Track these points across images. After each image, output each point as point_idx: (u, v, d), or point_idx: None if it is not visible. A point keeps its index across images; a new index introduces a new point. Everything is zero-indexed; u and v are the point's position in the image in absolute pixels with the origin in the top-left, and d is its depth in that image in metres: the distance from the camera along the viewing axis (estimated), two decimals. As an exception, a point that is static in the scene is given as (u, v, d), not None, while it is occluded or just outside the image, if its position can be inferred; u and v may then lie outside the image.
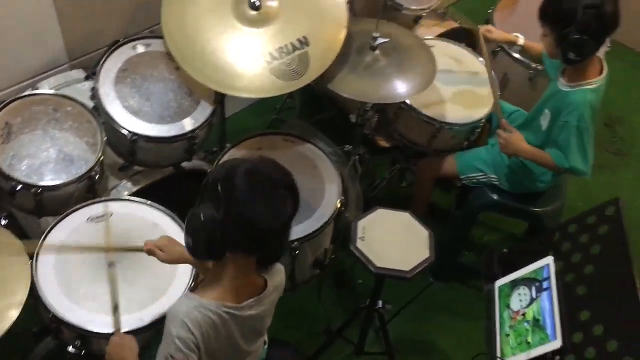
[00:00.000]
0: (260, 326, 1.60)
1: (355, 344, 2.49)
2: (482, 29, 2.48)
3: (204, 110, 2.21)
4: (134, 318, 1.77)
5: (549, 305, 1.69)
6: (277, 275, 1.59)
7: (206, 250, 1.40)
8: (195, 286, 1.53)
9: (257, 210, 1.36)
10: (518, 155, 2.31)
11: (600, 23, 2.00)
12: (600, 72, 2.16)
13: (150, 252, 1.70)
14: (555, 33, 2.08)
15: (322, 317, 2.58)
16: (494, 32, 2.48)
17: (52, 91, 2.15)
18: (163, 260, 1.70)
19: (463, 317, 2.71)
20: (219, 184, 1.36)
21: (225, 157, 2.26)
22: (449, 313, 2.74)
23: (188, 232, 1.40)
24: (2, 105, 2.01)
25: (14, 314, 1.70)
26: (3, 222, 2.20)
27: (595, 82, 2.14)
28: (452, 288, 2.81)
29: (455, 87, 2.58)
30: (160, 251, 1.69)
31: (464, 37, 2.95)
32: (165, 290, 1.85)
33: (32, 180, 1.97)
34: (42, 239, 1.89)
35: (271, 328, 1.72)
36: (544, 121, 2.29)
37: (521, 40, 2.48)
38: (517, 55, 2.74)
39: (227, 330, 1.46)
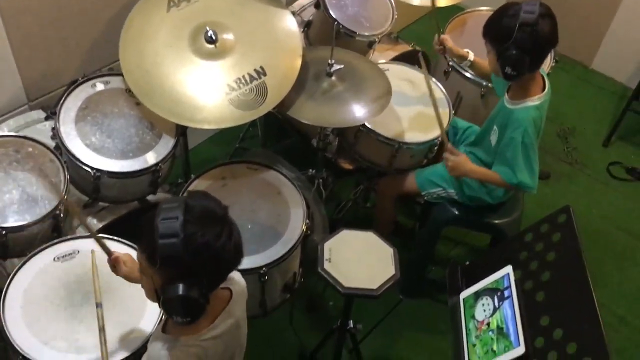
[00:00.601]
0: (239, 335, 1.60)
1: (329, 366, 2.51)
2: (442, 37, 2.57)
3: (167, 144, 2.24)
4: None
5: (511, 313, 1.75)
6: (237, 280, 1.59)
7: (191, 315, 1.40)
8: (165, 322, 1.54)
9: (223, 247, 1.36)
10: (466, 176, 2.40)
11: (535, 40, 2.08)
12: (543, 89, 2.25)
13: (115, 261, 1.72)
14: (495, 49, 2.17)
15: (295, 343, 2.60)
16: (449, 41, 2.57)
17: (12, 133, 2.15)
18: (123, 275, 1.72)
19: (434, 332, 2.76)
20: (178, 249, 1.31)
21: (191, 188, 2.28)
22: (420, 329, 2.79)
23: (172, 312, 1.38)
24: (-39, 150, 2.01)
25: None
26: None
27: (538, 99, 2.23)
28: (422, 304, 2.86)
29: (411, 108, 2.66)
30: (123, 265, 1.71)
31: (418, 59, 3.05)
32: (135, 327, 1.85)
33: (-4, 223, 1.96)
34: (10, 276, 1.89)
35: (245, 358, 1.74)
36: (493, 137, 2.38)
37: (471, 56, 2.58)
38: (468, 75, 2.84)
39: (214, 355, 1.47)
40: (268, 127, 3.21)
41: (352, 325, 2.32)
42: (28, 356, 1.73)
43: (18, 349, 1.74)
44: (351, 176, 3.15)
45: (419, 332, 2.78)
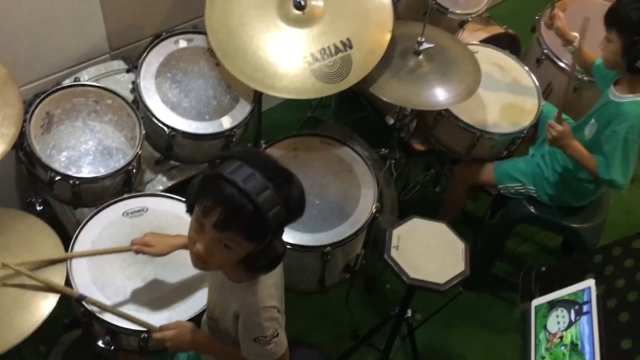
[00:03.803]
0: None
1: (380, 350, 2.46)
2: (556, 12, 2.39)
3: (243, 109, 2.19)
4: (164, 317, 1.77)
5: (588, 330, 1.64)
6: None
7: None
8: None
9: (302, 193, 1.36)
10: (567, 149, 2.20)
11: None
12: None
13: (138, 251, 1.72)
14: (623, 40, 2.02)
15: (348, 322, 2.56)
16: (562, 19, 2.38)
17: (93, 83, 2.14)
18: (155, 255, 1.72)
19: (492, 329, 2.67)
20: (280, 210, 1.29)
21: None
22: (478, 324, 2.70)
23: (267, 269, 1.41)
24: (43, 95, 2.01)
25: (50, 305, 1.72)
26: (39, 208, 2.22)
27: None
28: (482, 298, 2.77)
29: (497, 95, 2.52)
30: (148, 247, 1.70)
31: (508, 43, 2.89)
32: (195, 291, 1.84)
33: (71, 171, 1.97)
34: (80, 226, 1.91)
35: (297, 329, 1.72)
36: (588, 131, 2.24)
37: (577, 41, 2.39)
38: (562, 64, 2.66)
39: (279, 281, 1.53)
40: (342, 98, 3.13)
41: (410, 315, 2.25)
42: (90, 309, 1.74)
43: (82, 300, 1.76)
44: (421, 157, 3.06)
45: (476, 327, 2.70)
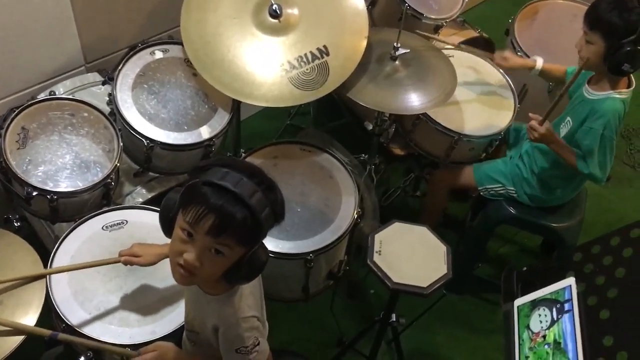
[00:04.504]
0: None
1: (367, 356, 2.46)
2: (497, 58, 2.47)
3: (222, 119, 2.19)
4: (147, 331, 1.75)
5: (570, 328, 1.66)
6: None
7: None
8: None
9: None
10: (550, 145, 2.24)
11: None
12: (629, 85, 2.15)
13: (127, 262, 1.73)
14: (607, 42, 2.04)
15: (333, 328, 2.56)
16: (510, 59, 2.46)
17: (69, 96, 2.12)
18: (144, 264, 1.73)
19: (476, 331, 2.68)
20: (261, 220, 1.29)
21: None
22: (462, 326, 2.71)
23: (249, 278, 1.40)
24: (18, 109, 1.99)
25: (29, 323, 1.70)
26: (16, 224, 2.19)
27: (625, 93, 2.13)
28: (466, 301, 2.79)
29: (474, 98, 2.55)
30: (136, 257, 1.72)
31: (484, 46, 2.92)
32: (179, 302, 1.82)
33: (48, 186, 1.94)
34: (59, 241, 1.89)
35: (282, 338, 1.71)
36: (564, 129, 2.27)
37: (539, 63, 2.43)
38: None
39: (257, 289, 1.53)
40: (320, 105, 3.13)
41: (395, 319, 2.26)
42: (71, 324, 1.72)
43: (62, 316, 1.74)
44: (401, 162, 3.07)
45: (460, 329, 2.71)
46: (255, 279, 1.44)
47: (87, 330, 1.72)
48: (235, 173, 1.26)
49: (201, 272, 1.31)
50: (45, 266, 1.82)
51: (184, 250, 1.29)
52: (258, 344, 1.47)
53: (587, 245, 1.85)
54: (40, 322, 1.72)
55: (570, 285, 1.74)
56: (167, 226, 1.35)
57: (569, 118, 2.26)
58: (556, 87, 2.66)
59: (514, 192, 2.45)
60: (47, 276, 1.79)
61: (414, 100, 2.22)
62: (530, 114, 2.22)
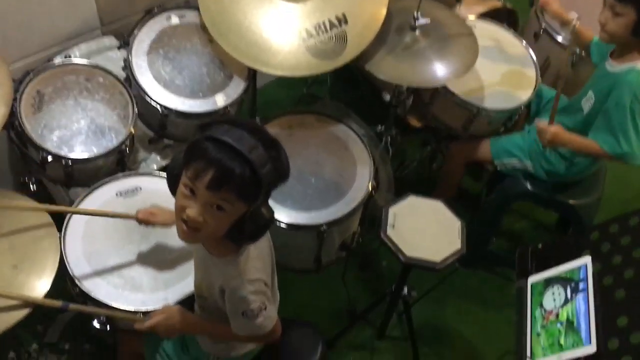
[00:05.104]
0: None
1: (377, 327, 2.47)
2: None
3: (237, 86, 2.16)
4: (159, 297, 1.77)
5: (584, 308, 1.64)
6: None
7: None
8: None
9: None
10: (564, 146, 2.22)
11: None
12: None
13: (142, 221, 1.76)
14: (637, 14, 1.98)
15: (344, 299, 2.57)
16: (553, 4, 2.36)
17: (85, 61, 2.10)
18: (161, 224, 1.75)
19: (488, 306, 2.67)
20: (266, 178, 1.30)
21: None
22: (474, 301, 2.71)
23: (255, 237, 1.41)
24: (33, 74, 1.98)
25: (44, 287, 1.71)
26: (32, 188, 2.21)
27: None
28: (478, 275, 2.77)
29: (495, 70, 2.49)
30: (154, 216, 1.74)
31: (506, 17, 2.85)
32: (191, 270, 1.82)
33: (63, 151, 1.95)
34: (74, 206, 1.90)
35: (293, 307, 1.71)
36: (586, 104, 2.21)
37: (575, 21, 2.35)
38: (559, 39, 2.63)
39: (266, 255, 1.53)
40: (338, 75, 3.09)
41: (406, 292, 2.25)
42: (84, 289, 1.74)
43: (76, 280, 1.75)
44: (418, 134, 3.03)
45: (471, 303, 2.70)
46: (260, 238, 1.44)
47: (100, 296, 1.74)
48: (237, 129, 1.27)
49: (204, 228, 1.32)
50: (59, 230, 1.83)
51: (187, 206, 1.30)
52: (265, 308, 1.48)
53: (605, 224, 1.82)
54: (54, 285, 1.73)
55: (586, 265, 1.72)
56: (173, 185, 1.36)
57: (591, 92, 2.20)
58: (579, 60, 2.59)
59: (530, 166, 2.41)
60: (62, 240, 1.80)
61: (434, 73, 2.17)
62: (536, 120, 2.17)
